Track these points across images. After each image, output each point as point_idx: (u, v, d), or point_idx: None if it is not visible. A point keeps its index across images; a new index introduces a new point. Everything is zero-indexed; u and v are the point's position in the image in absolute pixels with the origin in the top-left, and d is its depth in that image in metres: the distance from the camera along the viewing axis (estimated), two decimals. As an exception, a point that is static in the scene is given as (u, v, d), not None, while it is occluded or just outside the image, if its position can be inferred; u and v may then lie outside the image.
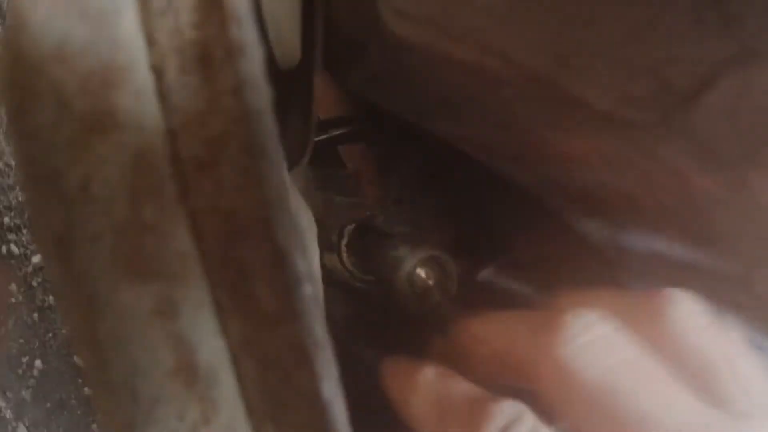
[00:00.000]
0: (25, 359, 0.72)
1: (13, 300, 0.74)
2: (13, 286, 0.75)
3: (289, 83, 0.21)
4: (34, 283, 0.76)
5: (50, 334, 0.74)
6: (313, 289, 0.12)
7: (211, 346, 0.13)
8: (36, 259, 0.76)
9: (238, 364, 0.13)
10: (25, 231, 0.78)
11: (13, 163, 0.74)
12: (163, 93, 0.11)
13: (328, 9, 0.21)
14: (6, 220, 0.79)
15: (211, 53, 0.10)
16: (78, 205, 0.10)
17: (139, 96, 0.10)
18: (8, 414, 0.70)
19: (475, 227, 0.27)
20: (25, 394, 0.72)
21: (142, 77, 0.11)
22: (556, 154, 0.15)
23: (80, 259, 0.11)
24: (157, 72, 0.10)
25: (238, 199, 0.11)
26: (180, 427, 0.13)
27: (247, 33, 0.09)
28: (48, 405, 0.71)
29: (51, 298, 0.73)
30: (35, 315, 0.75)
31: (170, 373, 0.13)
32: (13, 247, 0.78)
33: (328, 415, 0.12)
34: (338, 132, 0.28)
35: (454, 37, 0.16)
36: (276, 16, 0.19)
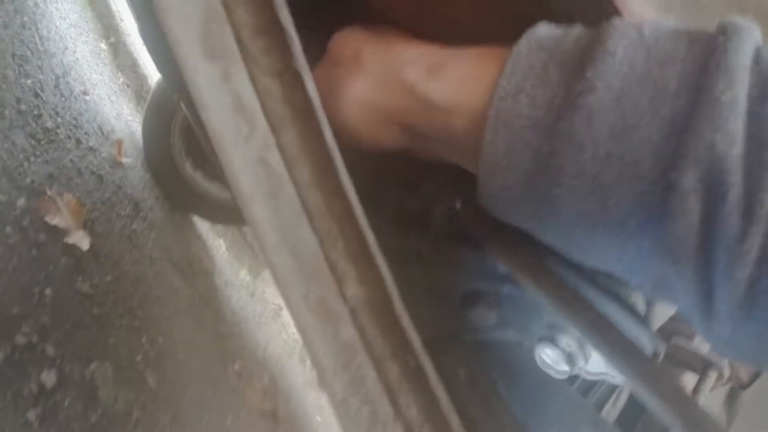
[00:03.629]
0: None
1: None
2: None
3: None
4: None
5: None
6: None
7: (249, 95, 0.27)
8: None
9: (263, 104, 0.27)
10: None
11: None
12: None
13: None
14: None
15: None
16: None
17: None
18: None
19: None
20: None
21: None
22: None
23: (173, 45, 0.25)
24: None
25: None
26: (238, 137, 0.27)
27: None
28: None
29: None
30: None
31: (231, 109, 0.27)
32: None
33: (314, 110, 0.26)
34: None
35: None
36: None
